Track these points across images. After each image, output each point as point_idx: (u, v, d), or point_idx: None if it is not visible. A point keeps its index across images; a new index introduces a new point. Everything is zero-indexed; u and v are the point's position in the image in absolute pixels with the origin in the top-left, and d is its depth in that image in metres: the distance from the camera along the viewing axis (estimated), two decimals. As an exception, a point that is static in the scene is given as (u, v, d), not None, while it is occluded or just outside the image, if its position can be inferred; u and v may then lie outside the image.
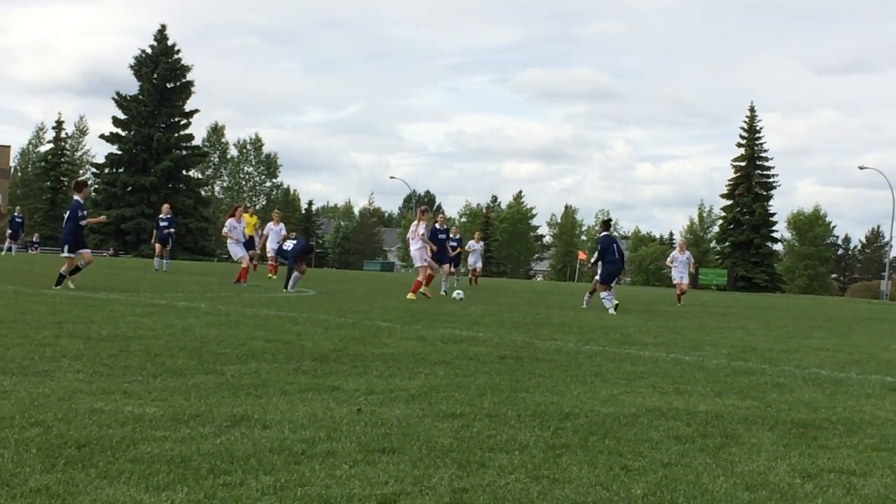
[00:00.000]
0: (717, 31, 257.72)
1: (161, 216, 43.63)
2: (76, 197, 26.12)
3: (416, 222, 31.59)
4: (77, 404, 8.62)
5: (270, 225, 42.24)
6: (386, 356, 13.55)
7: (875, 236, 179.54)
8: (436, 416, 9.01)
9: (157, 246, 43.73)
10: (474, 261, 50.27)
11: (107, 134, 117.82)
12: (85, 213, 25.86)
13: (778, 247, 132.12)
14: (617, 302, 29.77)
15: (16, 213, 63.06)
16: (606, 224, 33.74)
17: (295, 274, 30.76)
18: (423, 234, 31.18)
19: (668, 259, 43.79)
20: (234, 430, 7.85)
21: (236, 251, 34.46)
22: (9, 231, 62.81)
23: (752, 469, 7.47)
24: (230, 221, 35.03)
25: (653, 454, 7.81)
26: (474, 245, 49.96)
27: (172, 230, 43.52)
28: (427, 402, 9.72)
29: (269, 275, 41.01)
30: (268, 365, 11.95)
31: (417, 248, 31.19)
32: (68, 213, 25.93)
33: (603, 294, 29.69)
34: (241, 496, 5.97)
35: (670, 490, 6.65)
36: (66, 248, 25.67)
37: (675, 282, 42.51)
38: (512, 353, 14.81)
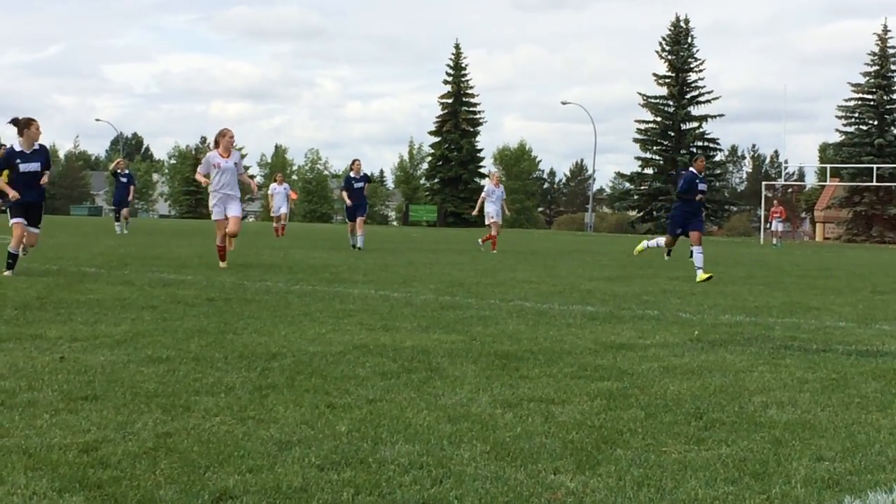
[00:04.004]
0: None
1: None
2: (15, 143, 17.45)
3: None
4: None
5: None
6: (91, 302, 13.31)
7: (579, 170, 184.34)
8: (141, 361, 8.91)
9: None
10: (279, 205, 44.08)
11: None
12: (34, 164, 17.25)
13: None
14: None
15: None
16: None
17: None
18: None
19: (485, 192, 36.74)
20: (-71, 384, 7.61)
21: None
22: None
23: (455, 401, 7.63)
24: None
25: (358, 391, 7.90)
26: (276, 188, 44.21)
27: None
28: (133, 348, 9.60)
29: None
30: (-34, 315, 11.60)
31: None
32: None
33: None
34: (-64, 451, 5.80)
35: (374, 425, 6.74)
36: (8, 213, 17.62)
37: (490, 220, 35.52)
38: (221, 296, 14.74)
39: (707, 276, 21.60)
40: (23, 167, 17.05)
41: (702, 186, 22.95)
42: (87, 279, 16.65)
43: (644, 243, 25.70)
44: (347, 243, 32.95)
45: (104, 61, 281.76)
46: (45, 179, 17.36)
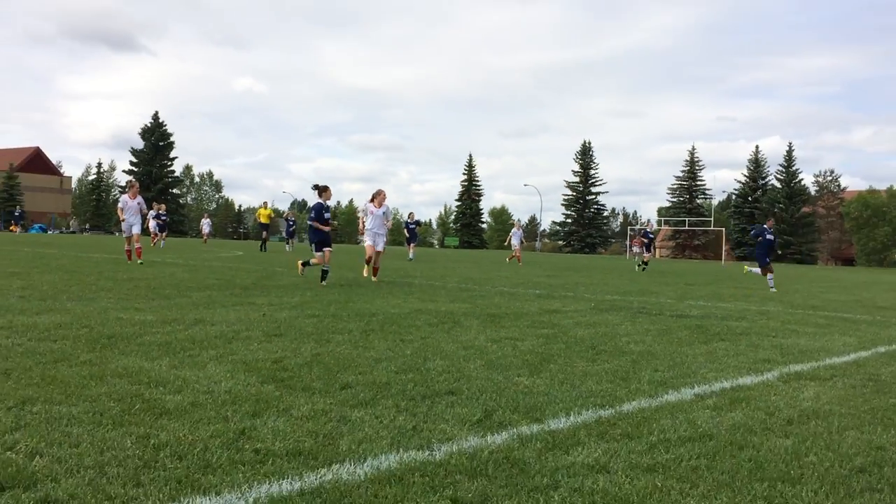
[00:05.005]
0: (448, 114, 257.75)
1: (161, 213, 35.83)
2: (318, 199, 14.94)
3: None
4: (108, 316, 8.24)
5: (151, 212, 35.55)
6: (280, 286, 13.29)
7: (532, 220, 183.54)
8: (306, 316, 8.88)
9: (153, 231, 35.65)
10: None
11: (125, 170, 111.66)
12: (327, 215, 15.05)
13: (484, 225, 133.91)
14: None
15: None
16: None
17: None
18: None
19: (511, 233, 34.46)
20: (195, 327, 7.61)
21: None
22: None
23: (467, 339, 7.58)
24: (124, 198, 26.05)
25: (416, 332, 7.86)
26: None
27: (165, 218, 36.36)
28: (300, 310, 9.57)
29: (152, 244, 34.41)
30: (215, 292, 11.59)
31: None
32: (311, 214, 14.98)
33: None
34: (199, 362, 5.80)
35: (424, 350, 6.72)
36: (313, 247, 14.91)
37: (514, 247, 33.70)
38: (345, 284, 14.70)
39: (774, 290, 18.60)
40: (326, 215, 14.94)
41: (769, 237, 19.45)
42: (277, 275, 16.66)
43: (747, 268, 21.79)
44: (406, 257, 32.86)
45: (288, 162, 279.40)
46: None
